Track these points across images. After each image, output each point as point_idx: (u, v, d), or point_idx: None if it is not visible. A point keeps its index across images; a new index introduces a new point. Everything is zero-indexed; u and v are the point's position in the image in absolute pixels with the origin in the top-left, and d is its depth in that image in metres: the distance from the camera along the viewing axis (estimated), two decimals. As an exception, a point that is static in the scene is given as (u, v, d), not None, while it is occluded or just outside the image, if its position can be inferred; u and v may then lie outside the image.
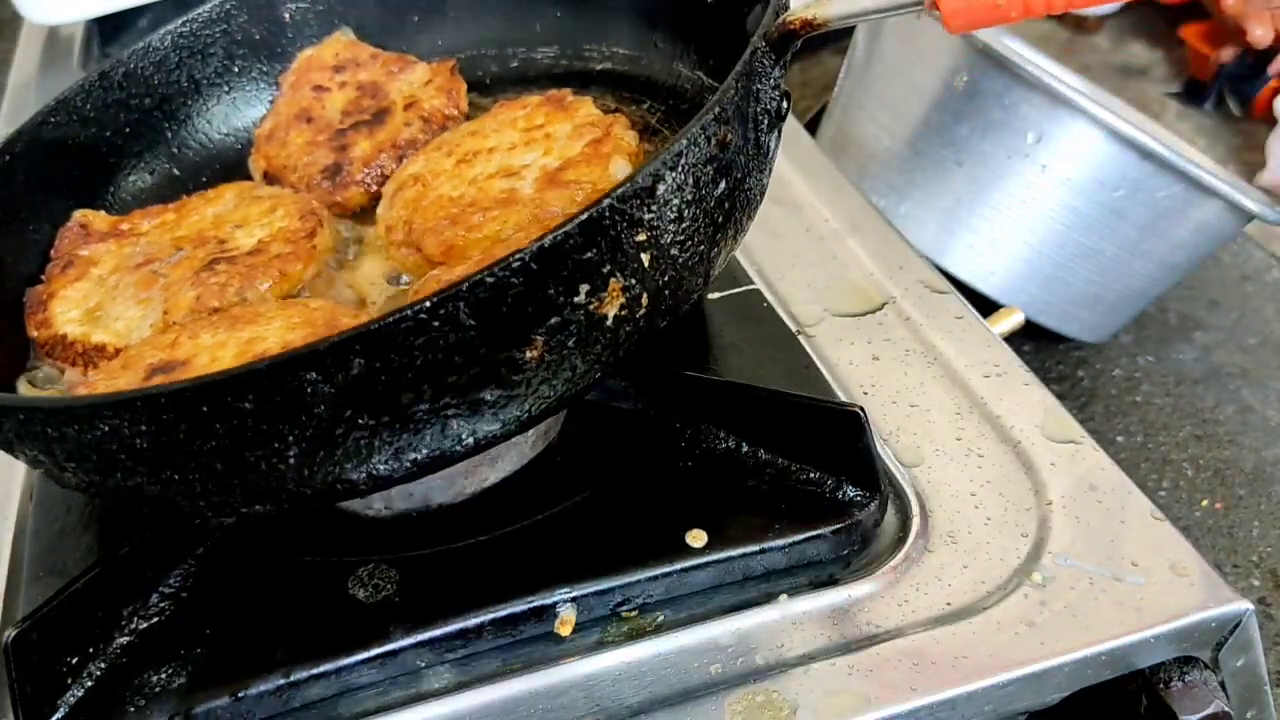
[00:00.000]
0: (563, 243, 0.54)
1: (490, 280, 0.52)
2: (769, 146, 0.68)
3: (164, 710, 0.59)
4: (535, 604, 0.63)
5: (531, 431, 0.71)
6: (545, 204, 0.74)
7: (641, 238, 0.57)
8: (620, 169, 0.76)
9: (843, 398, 0.77)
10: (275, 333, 0.68)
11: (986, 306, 1.05)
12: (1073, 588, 0.65)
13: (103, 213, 0.86)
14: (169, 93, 0.93)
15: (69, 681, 0.60)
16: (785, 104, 0.68)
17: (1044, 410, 0.76)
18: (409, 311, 0.51)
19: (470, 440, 0.58)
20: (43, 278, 0.81)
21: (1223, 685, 0.64)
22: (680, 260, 0.60)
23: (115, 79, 0.91)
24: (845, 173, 1.06)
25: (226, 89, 0.96)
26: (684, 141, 0.58)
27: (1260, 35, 1.40)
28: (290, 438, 0.54)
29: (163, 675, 0.61)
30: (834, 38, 1.69)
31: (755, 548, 0.65)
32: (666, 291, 0.60)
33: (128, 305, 0.77)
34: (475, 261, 0.69)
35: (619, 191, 0.55)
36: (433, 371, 0.53)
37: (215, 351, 0.68)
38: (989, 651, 0.62)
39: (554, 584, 0.63)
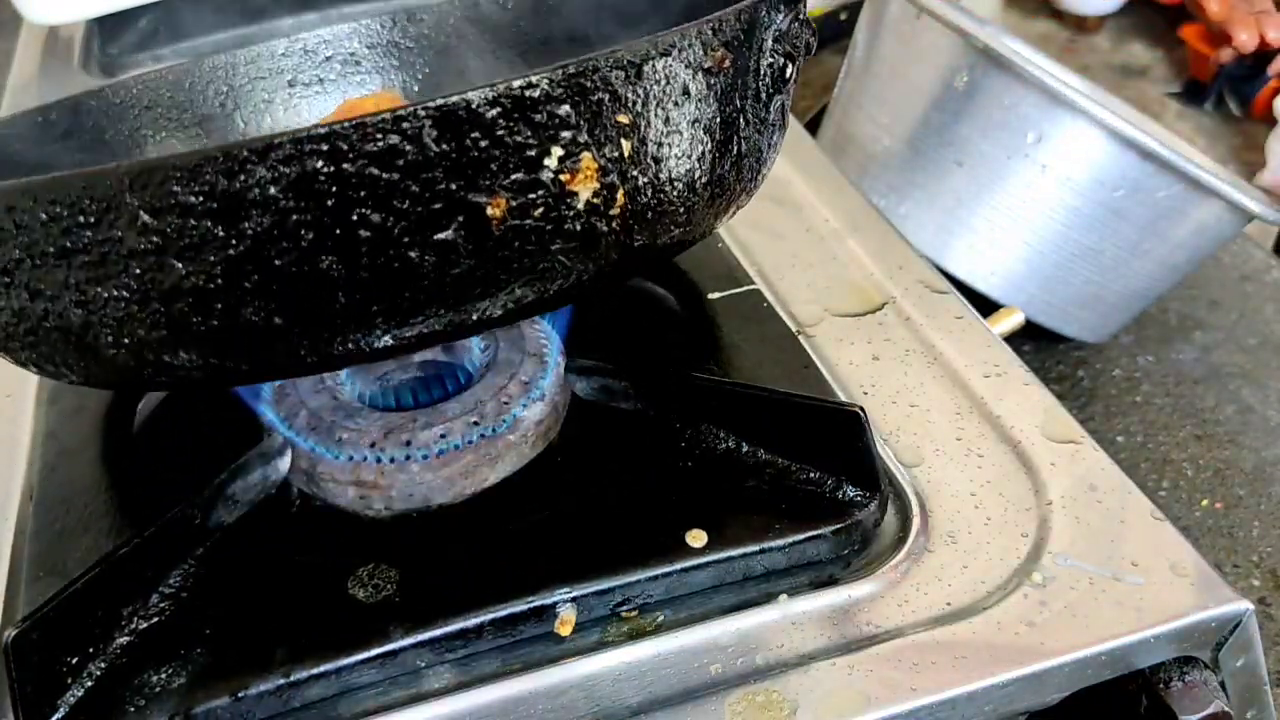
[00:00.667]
0: (538, 85, 0.52)
1: (458, 104, 0.51)
2: (772, 109, 0.67)
3: (164, 710, 0.59)
4: (535, 604, 0.63)
5: (531, 431, 0.71)
6: None
7: (624, 119, 0.55)
8: None
9: (843, 398, 0.77)
10: None
11: (986, 306, 1.05)
12: (1073, 588, 0.65)
13: None
14: (209, 112, 0.94)
15: (69, 681, 0.60)
16: (790, 67, 0.67)
17: (1044, 410, 0.76)
18: (370, 118, 0.50)
19: (423, 321, 0.55)
20: None
21: (1223, 685, 0.64)
22: (663, 172, 0.58)
23: (162, 84, 0.92)
24: (845, 173, 1.06)
25: (267, 118, 0.97)
26: (677, 35, 0.57)
27: (1245, 40, 1.42)
28: (229, 248, 0.52)
29: (163, 675, 0.61)
30: (834, 37, 1.70)
31: (755, 548, 0.65)
32: (645, 200, 0.58)
33: None
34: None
35: (604, 57, 0.54)
36: (384, 191, 0.51)
37: None
38: (989, 651, 0.62)
39: (554, 584, 0.63)
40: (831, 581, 0.66)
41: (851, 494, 0.68)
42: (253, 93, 0.96)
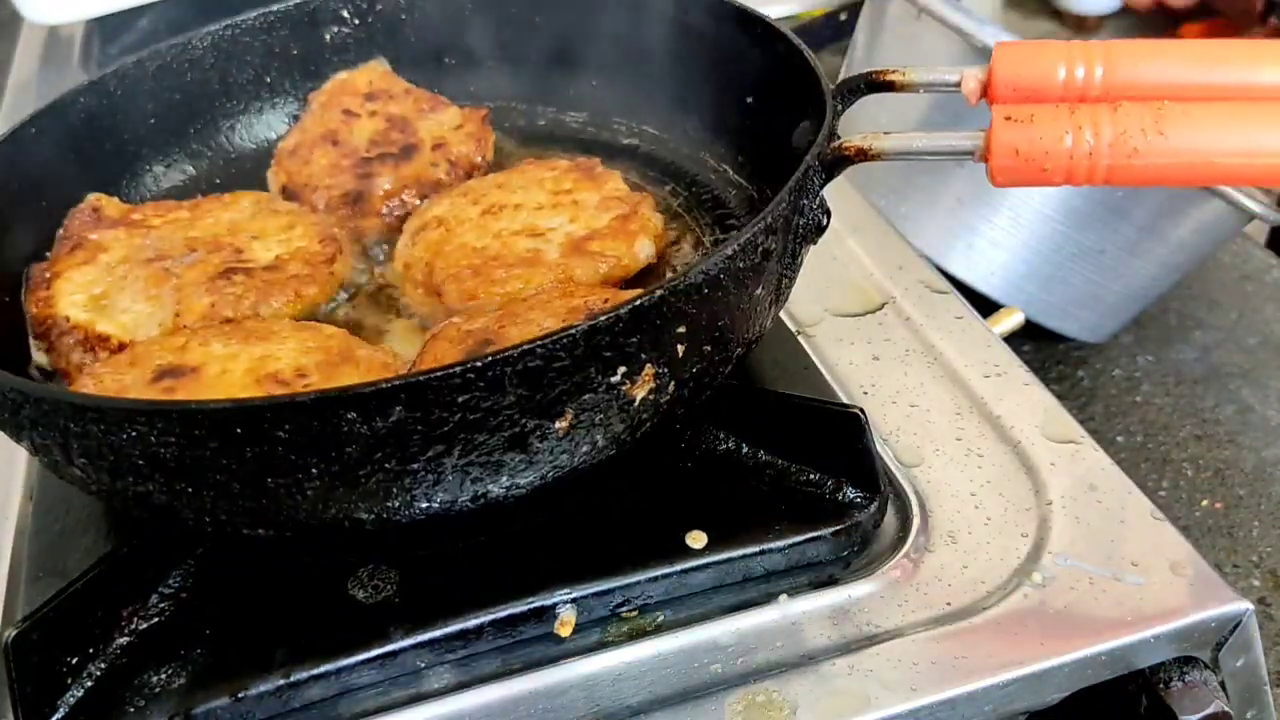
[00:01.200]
0: (613, 325, 0.55)
1: (540, 351, 0.54)
2: (802, 257, 0.70)
3: (164, 710, 0.59)
4: (535, 605, 0.63)
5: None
6: (569, 270, 0.76)
7: (681, 329, 0.59)
8: (645, 249, 0.79)
9: (843, 398, 0.77)
10: (289, 354, 0.69)
11: (986, 306, 1.05)
12: (1073, 588, 0.65)
13: (116, 199, 0.86)
14: (199, 91, 0.95)
15: (69, 681, 0.60)
16: (826, 220, 0.70)
17: (1044, 410, 0.76)
18: (457, 369, 0.53)
19: (480, 498, 0.59)
20: (47, 255, 0.82)
21: (1223, 685, 0.64)
22: (708, 353, 0.62)
23: (149, 69, 0.92)
24: (845, 173, 1.06)
25: (254, 98, 0.97)
26: (734, 247, 0.60)
27: None
28: (315, 471, 0.55)
29: (163, 675, 0.61)
30: (834, 37, 1.70)
31: (755, 549, 0.65)
32: (690, 381, 0.62)
33: (136, 299, 0.77)
34: (496, 317, 0.71)
35: (672, 284, 0.57)
36: (467, 430, 0.55)
37: (226, 363, 0.68)
38: (989, 651, 0.62)
39: (554, 585, 0.63)
40: (831, 581, 0.66)
41: (852, 496, 0.68)
42: (242, 68, 0.95)
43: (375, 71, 0.98)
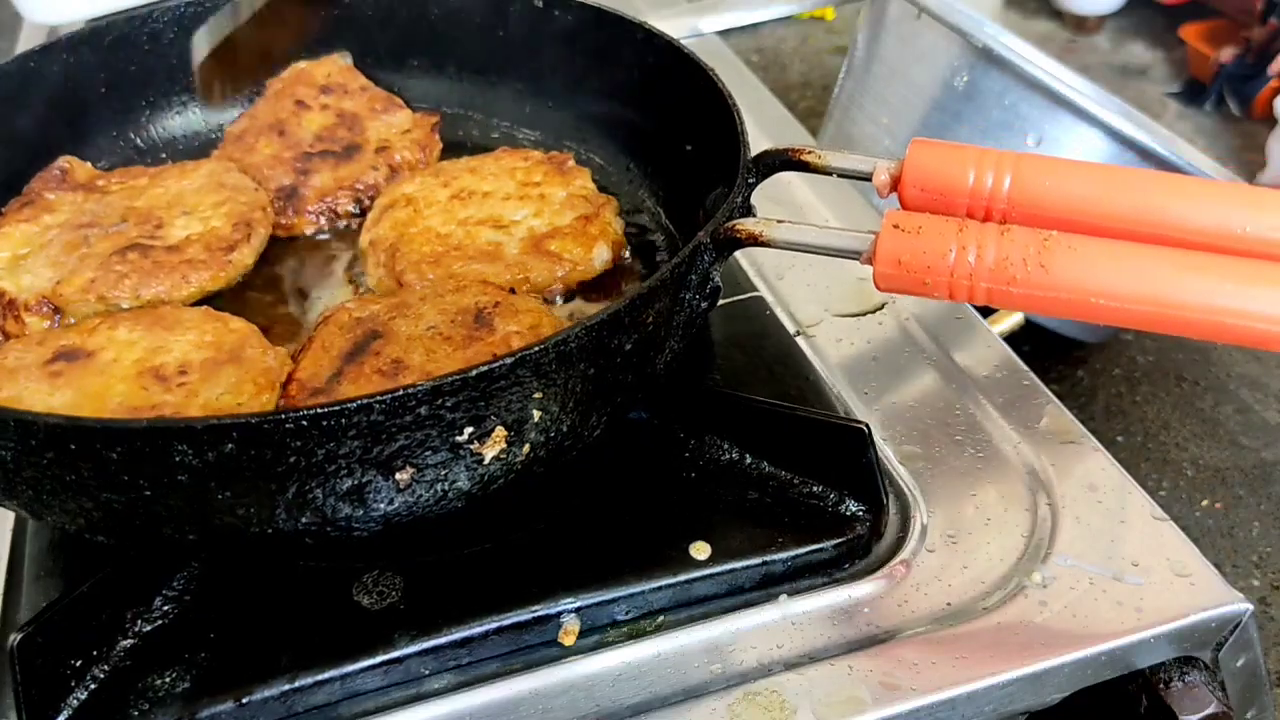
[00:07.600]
0: (458, 387, 0.54)
1: (379, 406, 0.53)
2: (695, 324, 0.68)
3: (168, 714, 0.59)
4: (540, 614, 0.63)
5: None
6: (526, 269, 0.77)
7: (538, 395, 0.57)
8: (601, 255, 0.79)
9: (842, 399, 0.77)
10: (182, 347, 0.70)
11: (986, 306, 1.05)
12: (1073, 588, 0.65)
13: (87, 164, 0.86)
14: (154, 64, 0.94)
15: (73, 684, 0.60)
16: (714, 297, 0.69)
17: (1044, 410, 0.76)
18: (289, 416, 0.52)
19: (322, 537, 0.59)
20: (2, 210, 0.83)
21: (1223, 685, 0.64)
22: (567, 422, 0.60)
23: (105, 41, 0.92)
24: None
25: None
26: (601, 318, 0.58)
27: None
28: (149, 493, 0.55)
29: (167, 679, 0.61)
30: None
31: (758, 560, 0.65)
32: (549, 444, 0.60)
33: (44, 263, 0.79)
34: (388, 305, 0.72)
35: (522, 353, 0.55)
36: (301, 473, 0.54)
37: (122, 351, 0.69)
38: (989, 651, 0.62)
39: (559, 594, 0.63)
40: (832, 581, 0.66)
41: (854, 509, 0.67)
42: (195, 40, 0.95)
43: (335, 64, 0.97)
